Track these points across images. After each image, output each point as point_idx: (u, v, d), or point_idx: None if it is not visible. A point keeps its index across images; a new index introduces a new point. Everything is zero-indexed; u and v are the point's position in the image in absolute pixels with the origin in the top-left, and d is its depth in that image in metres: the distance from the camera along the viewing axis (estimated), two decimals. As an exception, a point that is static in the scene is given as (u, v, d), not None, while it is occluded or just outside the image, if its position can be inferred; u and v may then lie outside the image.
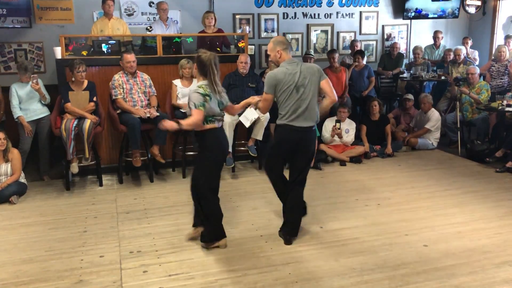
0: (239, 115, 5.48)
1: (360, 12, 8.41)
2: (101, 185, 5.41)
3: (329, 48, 8.21)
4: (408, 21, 8.69)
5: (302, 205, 3.95)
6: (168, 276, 3.31)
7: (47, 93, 5.56)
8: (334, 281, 3.21)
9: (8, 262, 3.57)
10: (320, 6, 8.17)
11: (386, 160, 6.37)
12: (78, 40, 5.98)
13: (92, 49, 5.85)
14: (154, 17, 7.26)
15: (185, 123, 3.45)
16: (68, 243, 3.88)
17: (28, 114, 5.46)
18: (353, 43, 8.07)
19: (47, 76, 6.79)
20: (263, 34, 7.94)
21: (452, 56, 7.58)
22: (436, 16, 8.56)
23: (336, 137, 6.31)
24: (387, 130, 6.66)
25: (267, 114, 5.53)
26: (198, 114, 3.42)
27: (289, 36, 8.07)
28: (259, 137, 5.67)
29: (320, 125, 6.19)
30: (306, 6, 8.11)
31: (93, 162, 5.34)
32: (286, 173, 3.88)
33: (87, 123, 5.09)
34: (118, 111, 5.39)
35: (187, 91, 5.33)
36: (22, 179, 5.10)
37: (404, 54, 8.58)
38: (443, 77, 7.61)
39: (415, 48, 8.08)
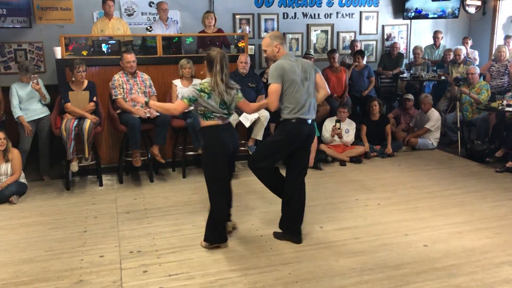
0: (239, 115, 5.49)
1: (360, 12, 8.40)
2: (101, 185, 5.41)
3: (329, 48, 8.20)
4: (408, 21, 8.69)
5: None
6: (168, 276, 3.31)
7: (47, 93, 5.57)
8: (334, 281, 3.20)
9: (8, 262, 3.57)
10: (320, 6, 8.17)
11: (386, 160, 6.37)
12: (78, 40, 5.99)
13: (92, 49, 5.86)
14: (154, 17, 7.26)
15: (156, 104, 3.74)
16: (68, 243, 3.88)
17: (28, 114, 5.46)
18: (353, 43, 8.06)
19: (47, 76, 6.79)
20: (263, 34, 7.91)
21: (452, 56, 7.58)
22: (436, 16, 8.55)
23: (336, 137, 6.31)
24: (387, 130, 6.66)
25: (267, 114, 5.53)
26: (178, 104, 3.63)
27: (289, 36, 8.07)
28: (259, 137, 5.66)
29: (320, 125, 6.20)
30: (306, 6, 8.10)
31: (93, 162, 5.34)
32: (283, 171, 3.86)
33: (87, 123, 5.09)
34: (118, 111, 5.39)
35: (187, 91, 5.33)
36: (22, 179, 5.10)
37: (404, 54, 8.57)
38: (443, 77, 7.60)
39: (415, 48, 8.08)
